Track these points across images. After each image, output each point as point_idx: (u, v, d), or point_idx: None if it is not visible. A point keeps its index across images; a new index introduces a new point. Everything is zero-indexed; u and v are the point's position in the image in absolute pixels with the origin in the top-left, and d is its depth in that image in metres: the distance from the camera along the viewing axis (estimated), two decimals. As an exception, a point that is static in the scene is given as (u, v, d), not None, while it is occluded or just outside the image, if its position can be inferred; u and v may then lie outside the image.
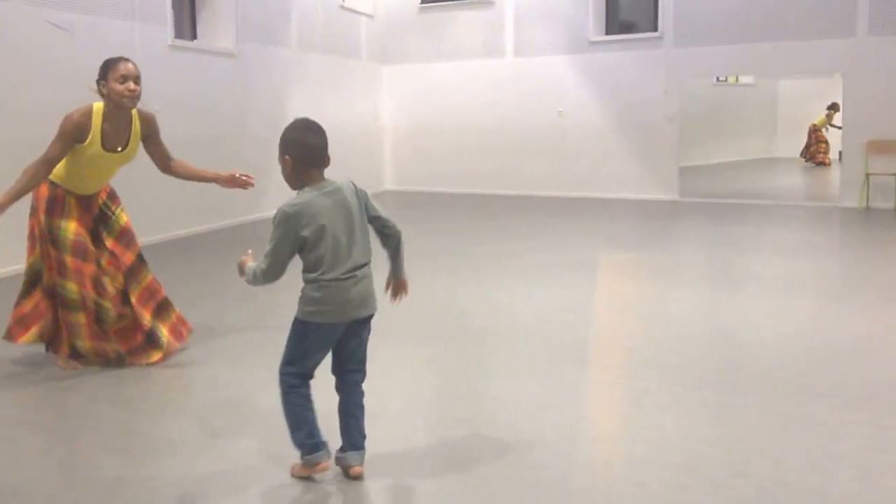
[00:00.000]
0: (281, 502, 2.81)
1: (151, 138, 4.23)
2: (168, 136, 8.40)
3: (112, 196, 4.32)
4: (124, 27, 7.99)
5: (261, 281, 2.78)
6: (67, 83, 7.23)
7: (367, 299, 2.86)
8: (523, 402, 3.72)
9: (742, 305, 5.57)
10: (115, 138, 4.02)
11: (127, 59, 3.98)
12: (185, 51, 8.94)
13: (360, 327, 2.89)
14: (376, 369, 3.67)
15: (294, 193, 2.79)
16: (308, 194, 2.75)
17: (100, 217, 4.22)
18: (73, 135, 3.88)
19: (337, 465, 2.90)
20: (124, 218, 4.31)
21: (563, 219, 10.09)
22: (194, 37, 9.69)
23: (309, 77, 11.31)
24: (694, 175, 13.56)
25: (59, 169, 3.99)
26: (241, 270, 2.88)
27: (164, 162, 4.34)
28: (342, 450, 2.90)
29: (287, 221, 2.71)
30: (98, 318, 4.09)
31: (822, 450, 3.11)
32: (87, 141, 3.92)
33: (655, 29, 11.61)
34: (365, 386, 2.97)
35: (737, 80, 17.82)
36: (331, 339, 2.84)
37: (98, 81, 3.96)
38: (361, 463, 2.89)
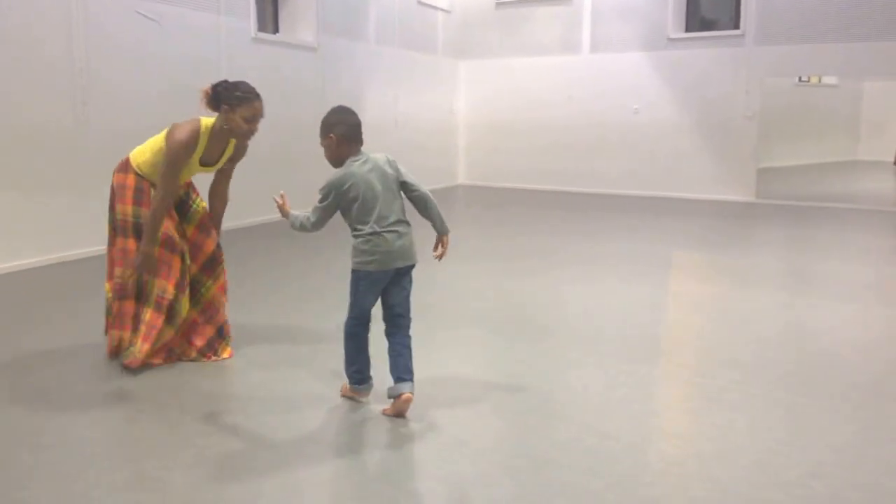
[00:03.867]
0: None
1: (230, 164, 4.22)
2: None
3: (191, 186, 4.29)
4: (209, 19, 8.21)
5: (308, 229, 3.39)
6: (155, 72, 7.48)
7: (408, 251, 3.34)
8: (594, 395, 3.74)
9: (818, 309, 5.48)
10: (211, 155, 4.02)
11: (260, 99, 3.90)
12: (268, 44, 9.13)
13: (402, 277, 3.37)
14: (447, 358, 3.75)
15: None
16: (349, 166, 3.32)
17: (179, 206, 4.18)
18: (184, 160, 3.86)
19: (389, 397, 3.36)
20: (203, 205, 4.26)
21: (637, 217, 10.02)
22: (276, 30, 9.88)
23: (386, 71, 11.45)
24: (772, 176, 13.31)
25: (147, 166, 3.98)
26: (284, 214, 3.46)
27: (221, 185, 4.30)
28: (394, 383, 3.36)
29: (332, 186, 3.28)
30: (170, 314, 4.02)
31: (900, 454, 3.05)
32: (192, 159, 3.92)
33: (737, 27, 11.43)
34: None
35: (819, 81, 17.41)
36: (379, 285, 3.33)
37: (221, 102, 3.84)
38: (412, 390, 3.33)
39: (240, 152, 4.20)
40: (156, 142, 3.99)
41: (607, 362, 4.21)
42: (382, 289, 3.36)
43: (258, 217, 8.85)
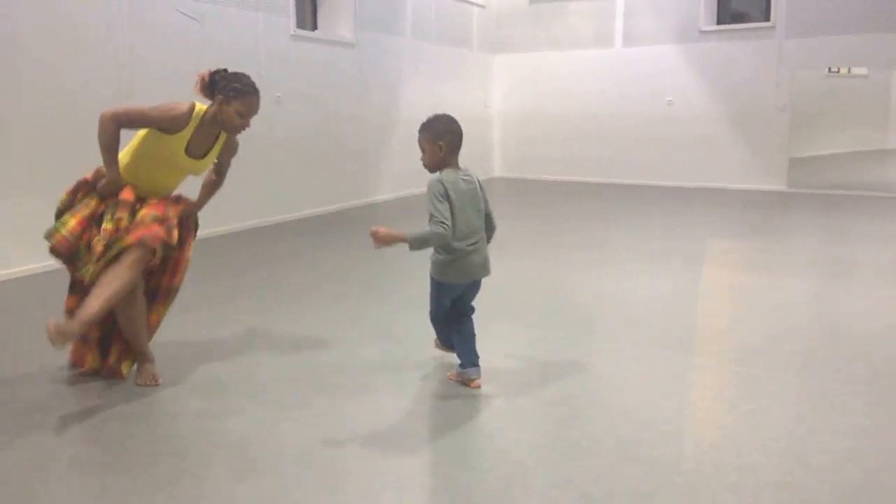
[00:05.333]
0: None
1: (224, 157, 4.00)
2: (288, 124, 8.79)
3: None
4: (249, 17, 8.37)
5: (435, 240, 3.36)
6: (195, 68, 7.64)
7: (486, 264, 3.59)
8: (630, 383, 3.81)
9: (852, 296, 5.53)
10: (198, 146, 3.76)
11: (259, 95, 3.72)
12: (307, 40, 9.30)
13: (478, 284, 3.65)
14: (485, 346, 3.82)
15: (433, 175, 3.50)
16: (452, 174, 3.43)
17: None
18: (166, 122, 3.61)
19: (458, 379, 3.69)
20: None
21: (670, 207, 10.10)
22: (315, 27, 10.06)
23: (422, 66, 11.60)
24: (803, 166, 13.31)
25: (125, 157, 3.74)
26: (394, 240, 3.29)
27: (217, 176, 4.08)
28: (462, 366, 3.68)
29: (443, 186, 3.36)
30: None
31: (933, 442, 3.10)
32: (177, 136, 3.65)
33: (768, 19, 11.47)
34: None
35: (849, 71, 17.34)
36: (457, 292, 3.60)
37: (216, 91, 3.68)
38: (479, 376, 3.66)
39: (232, 147, 3.97)
40: (132, 143, 3.78)
41: (642, 351, 4.28)
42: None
43: (298, 212, 9.09)
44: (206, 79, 3.72)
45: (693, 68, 12.04)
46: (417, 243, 3.30)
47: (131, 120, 3.63)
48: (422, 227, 3.36)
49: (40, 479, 2.85)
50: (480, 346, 3.74)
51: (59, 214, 3.70)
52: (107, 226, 3.57)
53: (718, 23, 12.17)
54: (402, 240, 3.26)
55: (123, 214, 3.59)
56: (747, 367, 4.05)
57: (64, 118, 6.42)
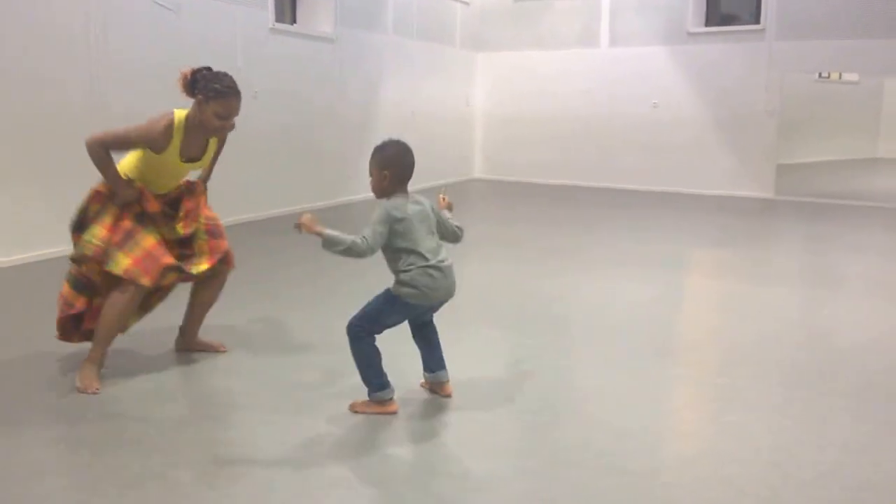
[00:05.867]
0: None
1: (218, 150, 4.04)
2: (264, 120, 8.68)
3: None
4: (227, 9, 8.19)
5: (361, 252, 3.12)
6: (172, 61, 7.46)
7: (452, 287, 3.36)
8: (609, 392, 3.72)
9: (836, 306, 5.43)
10: (192, 148, 3.76)
11: (239, 97, 3.67)
12: (285, 34, 9.11)
13: (440, 304, 3.41)
14: (460, 354, 3.75)
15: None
16: (400, 199, 3.27)
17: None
18: (148, 144, 3.62)
19: (428, 385, 3.58)
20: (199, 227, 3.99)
21: (654, 212, 9.98)
22: (294, 21, 9.87)
23: (404, 63, 11.42)
24: (790, 173, 13.20)
25: (129, 170, 3.75)
26: (309, 230, 3.11)
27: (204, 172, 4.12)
28: (431, 371, 3.54)
29: (388, 213, 3.20)
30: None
31: (920, 456, 3.02)
32: (166, 153, 3.65)
33: (758, 21, 11.34)
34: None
35: (840, 77, 17.28)
36: (413, 314, 3.38)
37: (197, 88, 3.64)
38: (449, 380, 3.53)
39: (222, 143, 4.01)
40: (130, 160, 3.78)
41: (622, 360, 4.18)
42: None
43: (272, 210, 8.89)
44: (188, 77, 3.67)
45: (680, 70, 11.88)
46: (330, 244, 3.12)
47: (116, 143, 3.64)
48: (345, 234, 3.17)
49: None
50: (455, 351, 3.68)
51: (78, 227, 3.73)
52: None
53: (707, 24, 12.02)
54: (320, 235, 3.11)
55: (163, 228, 3.80)
56: (729, 377, 3.95)
57: (32, 111, 6.31)
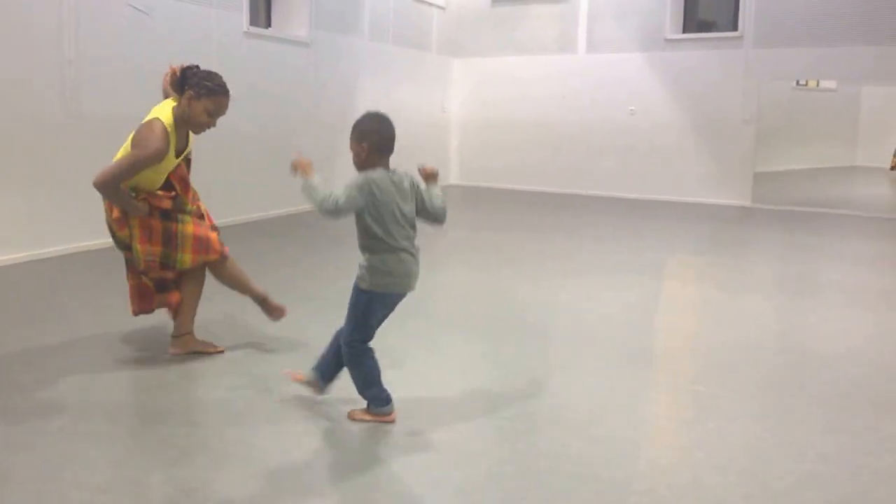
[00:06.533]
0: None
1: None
2: (240, 123, 8.60)
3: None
4: (201, 12, 8.09)
5: (329, 209, 3.03)
6: (147, 64, 7.35)
7: (417, 277, 3.23)
8: (585, 399, 3.65)
9: (812, 315, 5.38)
10: (180, 143, 3.86)
11: (229, 96, 3.82)
12: (260, 38, 9.00)
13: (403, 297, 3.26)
14: (437, 361, 3.67)
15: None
16: (381, 172, 3.12)
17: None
18: (157, 160, 3.70)
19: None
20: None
21: (630, 220, 9.92)
22: (269, 24, 9.77)
23: (379, 68, 11.34)
24: (768, 181, 13.21)
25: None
26: (301, 171, 3.11)
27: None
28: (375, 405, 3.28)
29: (367, 180, 3.07)
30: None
31: (895, 464, 2.98)
32: (166, 156, 3.75)
33: (735, 28, 11.33)
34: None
35: (817, 85, 17.34)
36: (388, 309, 3.22)
37: (187, 85, 3.74)
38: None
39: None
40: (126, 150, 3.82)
41: (599, 367, 4.12)
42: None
43: (249, 214, 8.76)
44: (178, 73, 3.76)
45: (658, 77, 11.86)
46: (307, 189, 3.08)
47: (130, 174, 3.68)
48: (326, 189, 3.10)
49: None
50: (432, 359, 3.67)
51: (122, 246, 3.91)
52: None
53: (685, 31, 12.01)
54: (306, 178, 3.11)
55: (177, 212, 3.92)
56: (706, 385, 3.90)
57: (2, 114, 6.23)
